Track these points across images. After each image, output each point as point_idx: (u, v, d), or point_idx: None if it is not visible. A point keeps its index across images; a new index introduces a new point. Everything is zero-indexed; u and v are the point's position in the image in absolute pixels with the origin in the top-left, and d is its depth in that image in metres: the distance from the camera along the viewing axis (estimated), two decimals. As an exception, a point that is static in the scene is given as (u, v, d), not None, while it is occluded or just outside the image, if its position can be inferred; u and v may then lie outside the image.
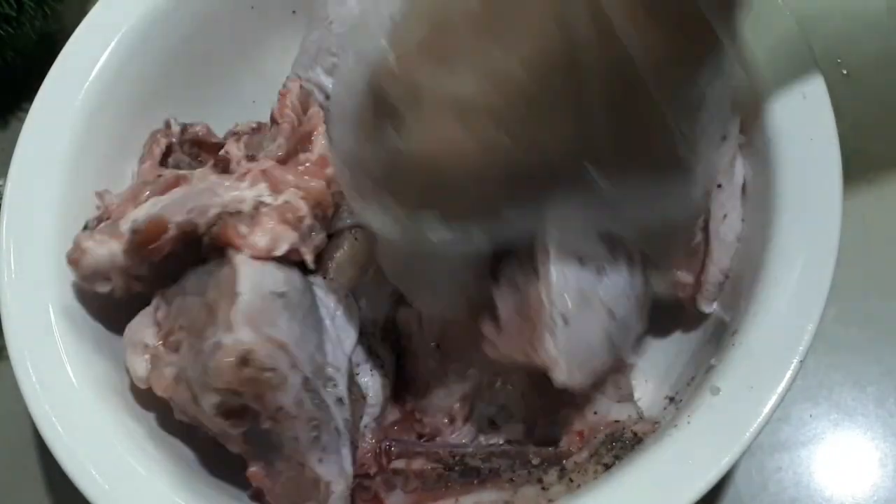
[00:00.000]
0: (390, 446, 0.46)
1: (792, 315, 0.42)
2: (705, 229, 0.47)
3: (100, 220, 0.47)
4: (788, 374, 0.41)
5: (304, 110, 0.51)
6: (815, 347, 0.42)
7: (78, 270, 0.46)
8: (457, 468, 0.46)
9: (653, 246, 0.43)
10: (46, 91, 0.51)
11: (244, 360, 0.39)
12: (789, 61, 0.47)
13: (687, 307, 0.49)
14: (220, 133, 0.55)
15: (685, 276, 0.48)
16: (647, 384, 0.49)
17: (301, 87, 0.51)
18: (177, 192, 0.46)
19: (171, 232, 0.43)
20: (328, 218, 0.47)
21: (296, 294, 0.43)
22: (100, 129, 0.52)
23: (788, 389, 0.41)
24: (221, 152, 0.50)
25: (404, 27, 0.36)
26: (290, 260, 0.44)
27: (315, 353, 0.43)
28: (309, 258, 0.44)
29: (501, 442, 0.47)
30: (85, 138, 0.51)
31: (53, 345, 0.45)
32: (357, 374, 0.47)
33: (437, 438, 0.48)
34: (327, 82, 0.52)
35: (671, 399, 0.46)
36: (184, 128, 0.54)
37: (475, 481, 0.45)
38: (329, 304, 0.46)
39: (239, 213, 0.43)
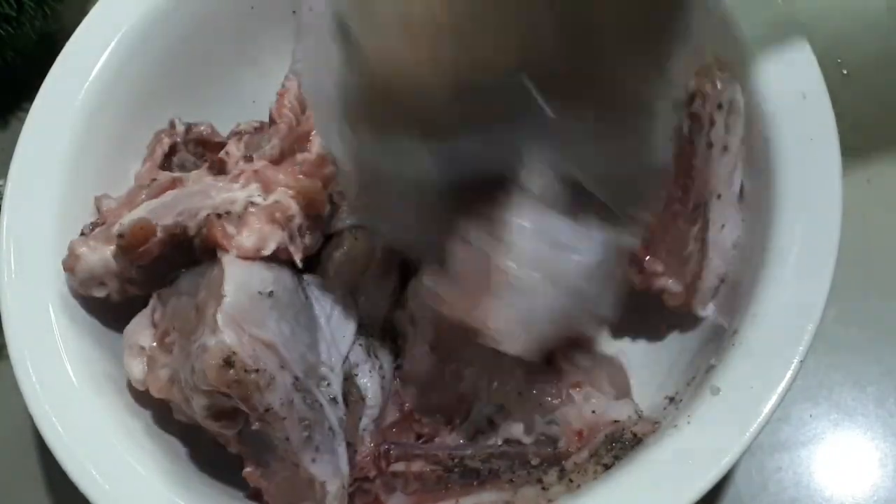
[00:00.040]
0: (389, 449, 0.46)
1: (792, 315, 0.42)
2: (703, 238, 0.48)
3: (95, 225, 0.48)
4: (788, 374, 0.41)
5: (303, 110, 0.51)
6: (815, 347, 0.42)
7: (74, 276, 0.46)
8: (456, 470, 0.46)
9: (614, 197, 0.41)
10: (46, 91, 0.51)
11: (228, 362, 0.39)
12: (789, 61, 0.47)
13: (678, 314, 0.49)
14: (222, 133, 0.55)
15: (674, 285, 0.48)
16: (647, 384, 0.49)
17: (299, 86, 0.51)
18: (168, 196, 0.46)
19: (159, 235, 0.43)
20: (324, 217, 0.47)
21: (285, 293, 0.43)
22: (100, 129, 0.52)
23: (788, 389, 0.41)
24: (222, 152, 0.50)
25: None
26: (281, 259, 0.44)
27: (307, 353, 0.43)
28: (298, 257, 0.44)
29: (500, 442, 0.47)
30: (85, 138, 0.51)
31: (53, 345, 0.45)
32: (356, 376, 0.47)
33: (436, 439, 0.48)
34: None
35: (671, 399, 0.46)
36: (188, 127, 0.54)
37: (475, 482, 0.45)
38: (325, 304, 0.46)
39: (228, 213, 0.44)
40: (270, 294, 0.42)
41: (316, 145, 0.47)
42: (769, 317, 0.43)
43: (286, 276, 0.44)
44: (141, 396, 0.46)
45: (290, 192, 0.45)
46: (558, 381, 0.47)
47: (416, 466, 0.46)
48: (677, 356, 0.49)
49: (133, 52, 0.53)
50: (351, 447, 0.45)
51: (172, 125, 0.54)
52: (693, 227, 0.48)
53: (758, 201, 0.47)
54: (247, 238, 0.43)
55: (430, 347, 0.48)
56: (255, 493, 0.44)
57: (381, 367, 0.48)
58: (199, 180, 0.47)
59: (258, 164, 0.47)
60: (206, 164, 0.49)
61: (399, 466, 0.46)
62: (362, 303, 0.49)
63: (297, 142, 0.48)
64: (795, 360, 0.41)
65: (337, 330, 0.46)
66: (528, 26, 0.34)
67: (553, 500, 0.43)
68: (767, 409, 0.40)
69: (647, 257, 0.48)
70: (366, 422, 0.47)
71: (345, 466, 0.44)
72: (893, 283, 0.56)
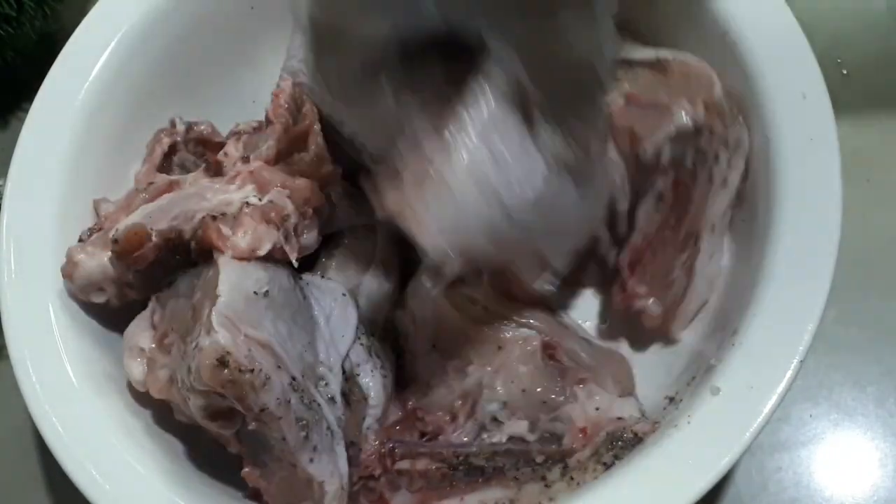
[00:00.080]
0: (394, 447, 0.46)
1: (792, 315, 0.42)
2: (690, 266, 0.48)
3: (92, 231, 0.48)
4: (788, 374, 0.41)
5: (299, 109, 0.51)
6: (815, 347, 0.42)
7: (73, 283, 0.46)
8: (461, 468, 0.46)
9: (559, 105, 0.40)
10: (46, 91, 0.51)
11: (222, 362, 0.39)
12: (789, 61, 0.47)
13: (654, 334, 0.50)
14: (222, 133, 0.55)
15: (654, 308, 0.49)
16: (648, 384, 0.49)
17: (293, 84, 0.51)
18: (164, 199, 0.46)
19: (154, 240, 0.43)
20: (321, 217, 0.47)
21: (281, 293, 0.43)
22: (100, 129, 0.52)
23: (788, 389, 0.41)
24: (220, 153, 0.50)
25: None
26: (277, 259, 0.44)
27: (305, 353, 0.43)
28: (293, 256, 0.44)
29: (504, 439, 0.47)
30: (85, 138, 0.51)
31: (53, 344, 0.45)
32: (358, 375, 0.47)
33: (440, 437, 0.48)
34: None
35: (671, 399, 0.46)
36: (188, 126, 0.54)
37: (479, 480, 0.45)
38: (324, 304, 0.46)
39: (223, 215, 0.44)
40: (266, 294, 0.42)
41: (314, 145, 0.47)
42: (769, 317, 0.43)
43: (283, 275, 0.44)
44: (141, 396, 0.46)
45: (286, 191, 0.45)
46: (562, 379, 0.47)
47: (421, 464, 0.46)
48: (677, 356, 0.49)
49: (133, 52, 0.53)
50: (355, 446, 0.45)
51: (173, 124, 0.54)
52: (681, 254, 0.49)
53: (757, 202, 0.47)
54: (241, 238, 0.43)
55: (432, 345, 0.48)
56: (254, 493, 0.44)
57: (382, 367, 0.48)
58: (196, 182, 0.47)
59: (254, 164, 0.47)
60: (203, 167, 0.49)
61: (404, 464, 0.46)
62: (363, 302, 0.49)
63: (293, 142, 0.48)
64: (795, 360, 0.41)
65: (336, 330, 0.46)
66: None
67: (554, 497, 0.43)
68: (767, 409, 0.40)
69: (632, 278, 0.49)
70: (369, 421, 0.47)
71: (344, 466, 0.44)
72: (893, 283, 0.56)
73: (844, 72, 0.61)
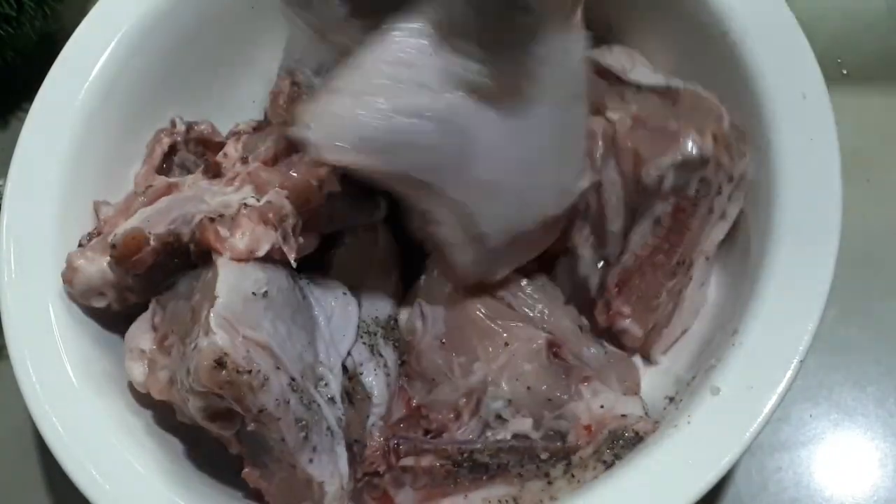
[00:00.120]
0: (398, 444, 0.46)
1: (792, 315, 0.42)
2: (679, 292, 0.49)
3: (91, 235, 0.48)
4: (788, 374, 0.41)
5: (298, 108, 0.51)
6: (815, 347, 0.42)
7: (73, 288, 0.46)
8: (465, 464, 0.46)
9: (492, 39, 0.41)
10: (46, 91, 0.51)
11: (220, 363, 0.39)
12: (789, 61, 0.47)
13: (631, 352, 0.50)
14: (221, 133, 0.55)
15: (635, 329, 0.49)
16: (648, 384, 0.49)
17: (291, 84, 0.51)
18: (162, 202, 0.46)
19: (152, 244, 0.43)
20: (320, 217, 0.47)
21: (280, 294, 0.43)
22: (100, 129, 0.52)
23: (788, 389, 0.41)
24: (219, 154, 0.50)
25: None
26: (276, 260, 0.44)
27: (304, 353, 0.43)
28: (292, 257, 0.44)
29: (509, 437, 0.47)
30: (85, 138, 0.51)
31: (53, 345, 0.45)
32: (361, 374, 0.47)
33: (444, 434, 0.48)
34: (315, 81, 0.52)
35: (671, 399, 0.46)
36: (189, 126, 0.54)
37: (483, 477, 0.45)
38: (324, 304, 0.46)
39: (221, 216, 0.43)
40: (265, 295, 0.42)
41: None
42: (769, 317, 0.43)
43: (281, 276, 0.44)
44: (141, 397, 0.46)
45: (284, 192, 0.45)
46: (567, 377, 0.47)
47: (426, 461, 0.46)
48: (677, 356, 0.49)
49: (133, 52, 0.53)
50: (359, 444, 0.45)
51: (173, 124, 0.54)
52: (671, 280, 0.49)
53: (757, 201, 0.47)
54: (239, 240, 0.43)
55: (440, 342, 0.48)
56: (254, 493, 0.44)
57: (385, 365, 0.48)
58: (194, 185, 0.47)
59: (252, 165, 0.47)
60: (202, 168, 0.49)
61: (408, 461, 0.46)
62: (364, 301, 0.49)
63: (292, 142, 0.48)
64: (795, 360, 0.41)
65: (337, 329, 0.46)
66: None
67: (555, 496, 0.43)
68: (767, 409, 0.40)
69: (618, 298, 0.49)
70: (373, 419, 0.47)
71: (344, 466, 0.44)
72: (893, 283, 0.56)
73: (844, 72, 0.61)
